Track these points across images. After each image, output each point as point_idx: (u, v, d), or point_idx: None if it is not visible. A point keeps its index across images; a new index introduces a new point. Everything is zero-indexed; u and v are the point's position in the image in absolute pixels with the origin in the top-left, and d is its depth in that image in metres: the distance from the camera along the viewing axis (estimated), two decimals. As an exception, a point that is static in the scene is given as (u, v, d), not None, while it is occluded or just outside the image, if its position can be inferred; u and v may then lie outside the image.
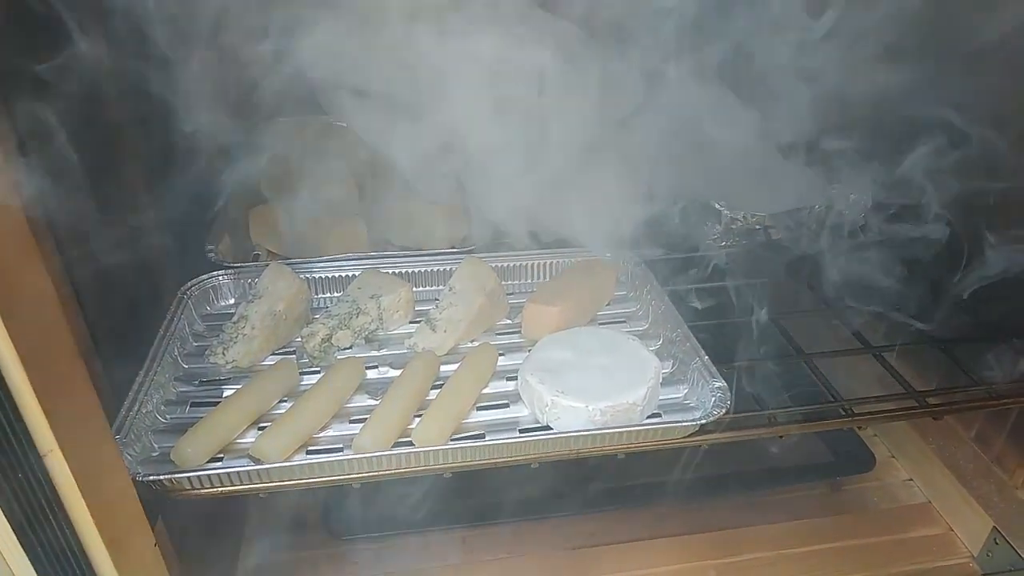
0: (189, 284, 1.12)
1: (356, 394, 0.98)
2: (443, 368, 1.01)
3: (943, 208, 1.30)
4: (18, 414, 0.57)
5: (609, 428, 0.88)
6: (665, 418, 0.94)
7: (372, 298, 1.08)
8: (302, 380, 1.00)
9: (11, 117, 0.77)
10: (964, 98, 1.19)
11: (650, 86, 1.05)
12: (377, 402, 0.94)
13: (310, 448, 0.90)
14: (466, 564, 1.17)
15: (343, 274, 1.17)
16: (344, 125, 1.34)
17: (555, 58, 0.97)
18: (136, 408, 0.89)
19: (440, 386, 0.96)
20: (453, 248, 1.22)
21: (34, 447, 0.59)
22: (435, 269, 1.19)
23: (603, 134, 1.07)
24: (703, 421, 0.89)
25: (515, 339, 1.10)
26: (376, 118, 1.00)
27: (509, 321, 1.14)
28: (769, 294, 1.23)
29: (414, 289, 1.15)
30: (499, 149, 1.02)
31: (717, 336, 1.10)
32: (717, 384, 0.93)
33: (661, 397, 0.97)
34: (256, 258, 1.23)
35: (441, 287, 1.14)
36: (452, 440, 0.90)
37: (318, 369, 1.02)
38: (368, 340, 1.08)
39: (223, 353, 1.01)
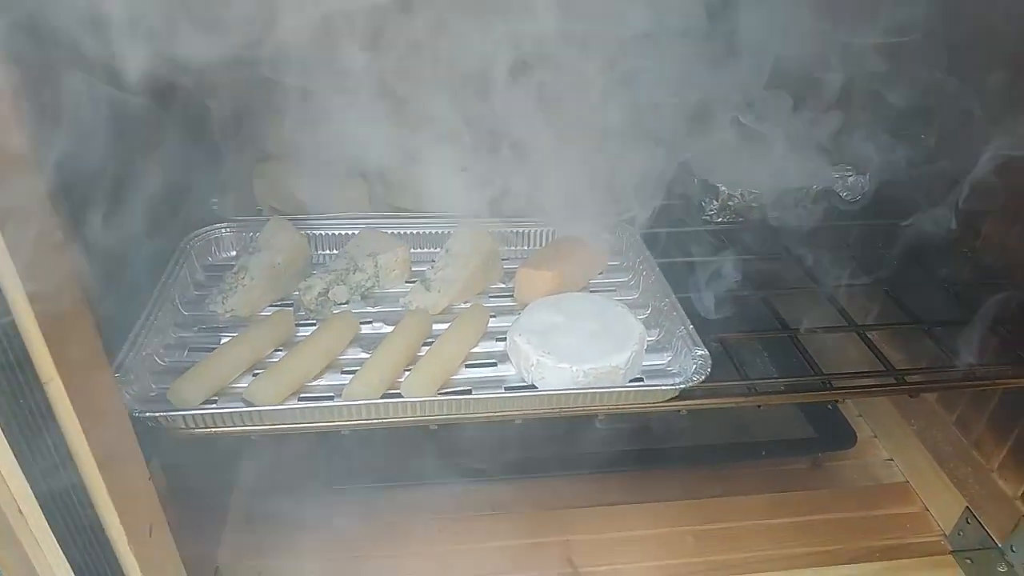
0: (192, 235, 1.14)
1: (350, 347, 1.01)
2: (436, 327, 1.04)
3: (938, 193, 1.32)
4: (21, 343, 0.59)
5: (592, 388, 0.90)
6: (647, 382, 0.97)
7: (369, 256, 1.10)
8: (298, 331, 1.03)
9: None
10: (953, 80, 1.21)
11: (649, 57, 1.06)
12: (369, 355, 0.97)
13: (302, 395, 0.93)
14: (452, 519, 1.21)
15: (343, 232, 1.20)
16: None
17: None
18: (136, 349, 0.92)
19: (431, 344, 0.98)
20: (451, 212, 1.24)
21: (36, 376, 0.62)
22: (433, 231, 1.21)
23: (599, 108, 1.08)
24: (683, 386, 0.91)
25: (508, 302, 1.13)
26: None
27: (504, 285, 1.16)
28: (761, 270, 1.25)
29: (412, 250, 1.17)
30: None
31: (706, 308, 1.12)
32: (699, 352, 0.95)
33: (645, 363, 1.00)
34: (259, 213, 1.25)
35: (438, 249, 1.16)
36: (439, 394, 0.93)
37: (314, 322, 1.05)
38: (364, 297, 1.11)
39: (222, 301, 1.04)
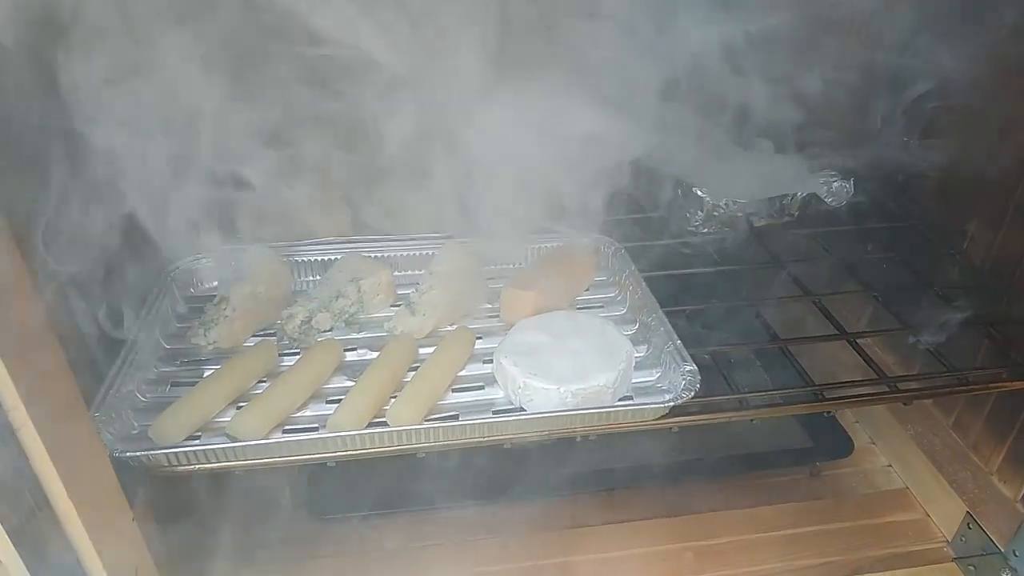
0: (172, 266, 1.13)
1: (334, 376, 1.00)
2: (422, 351, 1.03)
3: (926, 197, 1.32)
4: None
5: (580, 409, 0.89)
6: (636, 400, 0.95)
7: (352, 281, 1.09)
8: (282, 361, 1.02)
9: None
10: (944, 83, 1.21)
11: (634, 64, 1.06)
12: (354, 383, 0.95)
13: (286, 427, 0.92)
14: (446, 545, 1.19)
15: (325, 258, 1.18)
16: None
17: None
18: (116, 387, 0.90)
19: (417, 368, 0.97)
20: (434, 233, 1.23)
21: (8, 422, 0.61)
22: (416, 253, 1.20)
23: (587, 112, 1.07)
24: (672, 403, 0.90)
25: (494, 323, 1.12)
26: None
27: (489, 305, 1.15)
28: (749, 280, 1.25)
29: (395, 273, 1.16)
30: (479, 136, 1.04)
31: (693, 322, 1.12)
32: (688, 368, 0.94)
33: (635, 380, 0.99)
34: (239, 241, 1.24)
35: (422, 271, 1.15)
36: (426, 421, 0.91)
37: (298, 351, 1.04)
38: (348, 323, 1.10)
39: (204, 334, 1.03)
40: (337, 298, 1.08)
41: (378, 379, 0.94)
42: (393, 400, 0.92)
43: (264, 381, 0.98)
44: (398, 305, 1.11)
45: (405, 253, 1.20)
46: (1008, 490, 1.14)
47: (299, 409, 0.94)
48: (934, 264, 1.26)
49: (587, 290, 1.19)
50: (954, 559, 1.18)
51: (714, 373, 1.00)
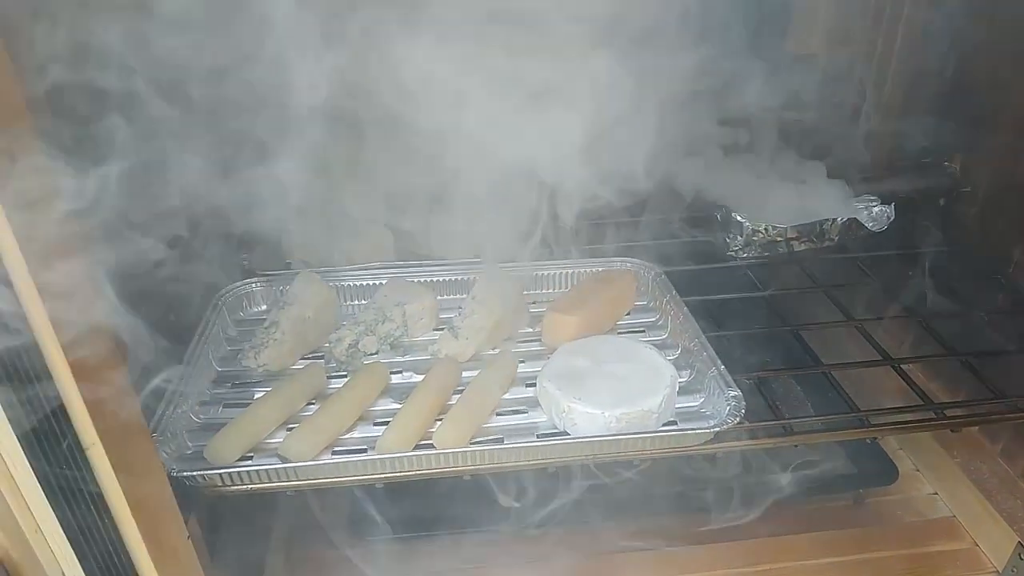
0: (223, 290, 1.17)
1: (381, 398, 1.02)
2: (465, 374, 1.04)
3: (969, 220, 1.30)
4: (64, 410, 0.61)
5: (624, 434, 0.90)
6: (680, 426, 0.96)
7: (397, 306, 1.12)
8: (329, 384, 1.04)
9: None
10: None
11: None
12: (400, 406, 0.97)
13: (336, 448, 0.93)
14: (489, 570, 1.19)
15: (370, 282, 1.21)
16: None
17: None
18: (172, 408, 0.93)
19: (462, 391, 0.99)
20: (477, 258, 1.25)
21: (78, 441, 0.63)
22: (459, 278, 1.23)
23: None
24: (717, 429, 0.90)
25: (535, 347, 1.13)
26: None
27: (530, 329, 1.16)
28: (790, 305, 1.24)
29: (438, 297, 1.18)
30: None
31: (736, 346, 1.12)
32: (732, 393, 0.94)
33: (678, 405, 0.99)
34: (288, 267, 1.27)
35: (464, 295, 1.17)
36: (471, 443, 0.93)
37: (345, 373, 1.06)
38: (393, 346, 1.12)
39: (255, 357, 1.05)
40: (383, 322, 1.10)
41: (424, 402, 0.96)
42: (439, 423, 0.94)
43: (313, 403, 1.00)
44: (441, 329, 1.13)
45: (448, 278, 1.23)
46: (1060, 520, 1.11)
47: (347, 431, 0.96)
48: (979, 288, 1.25)
49: (628, 315, 1.20)
50: (1006, 590, 1.15)
51: (755, 398, 1.00)
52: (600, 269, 1.24)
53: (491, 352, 1.11)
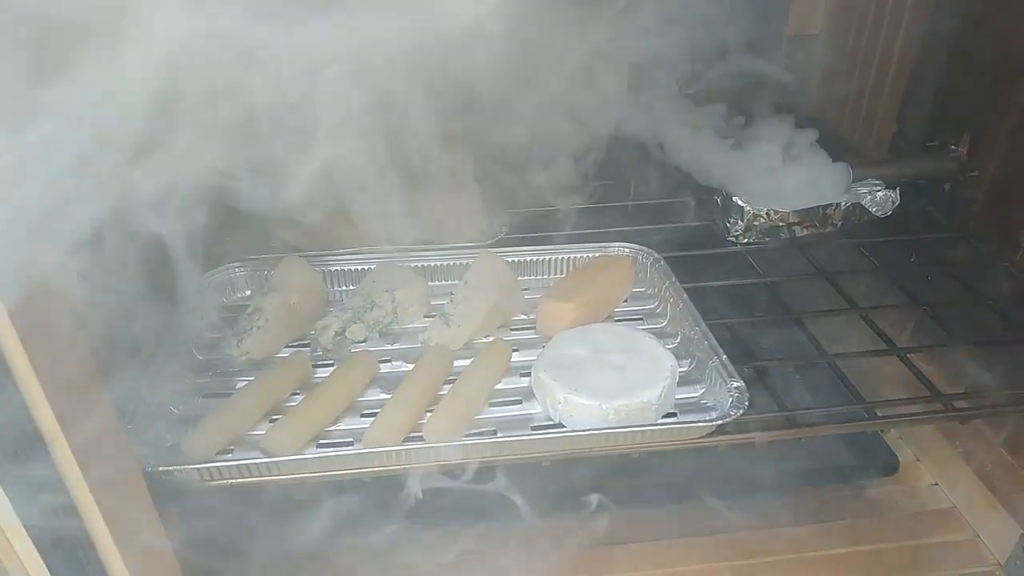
0: (206, 274, 1.12)
1: (369, 388, 0.98)
2: (457, 363, 1.00)
3: (975, 205, 1.27)
4: (23, 401, 0.57)
5: (622, 427, 0.86)
6: (681, 418, 0.92)
7: (386, 292, 1.07)
8: (315, 373, 1.00)
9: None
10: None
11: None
12: (389, 396, 0.93)
13: (321, 441, 0.90)
14: (478, 560, 1.16)
15: (358, 267, 1.17)
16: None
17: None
18: (149, 398, 0.89)
19: (453, 381, 0.95)
20: (470, 242, 1.21)
21: (39, 434, 0.59)
22: (450, 263, 1.18)
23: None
24: (719, 422, 0.87)
25: (530, 335, 1.09)
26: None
27: (525, 317, 1.13)
28: (792, 292, 1.21)
29: (429, 283, 1.14)
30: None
31: (734, 334, 1.08)
32: (735, 384, 0.91)
33: (677, 396, 0.95)
34: (272, 250, 1.23)
35: (456, 281, 1.13)
36: (464, 436, 0.89)
37: (332, 362, 1.02)
38: (382, 334, 1.08)
39: (237, 344, 1.01)
40: (371, 309, 1.06)
41: (414, 393, 0.92)
42: (429, 414, 0.90)
43: (298, 393, 0.96)
44: (432, 316, 1.09)
45: (440, 263, 1.18)
46: (1066, 512, 1.09)
47: (334, 422, 0.92)
48: (984, 276, 1.22)
49: (625, 302, 1.16)
50: (1009, 583, 1.13)
51: (757, 388, 0.97)
52: (597, 255, 1.20)
53: (484, 340, 1.07)
